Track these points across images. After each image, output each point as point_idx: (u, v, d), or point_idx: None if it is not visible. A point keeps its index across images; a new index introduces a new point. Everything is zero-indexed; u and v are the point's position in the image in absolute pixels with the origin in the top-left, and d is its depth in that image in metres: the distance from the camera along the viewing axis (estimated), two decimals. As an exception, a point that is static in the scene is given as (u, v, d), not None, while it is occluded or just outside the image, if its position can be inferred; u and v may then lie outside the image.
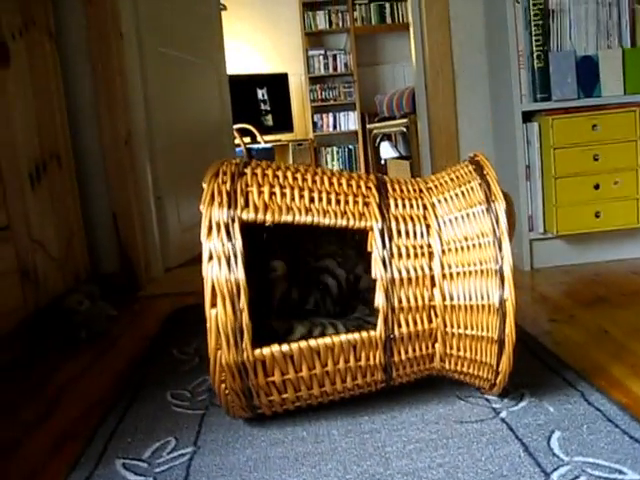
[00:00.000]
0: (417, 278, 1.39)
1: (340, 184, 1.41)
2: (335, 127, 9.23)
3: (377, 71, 9.21)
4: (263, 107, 8.70)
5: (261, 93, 8.66)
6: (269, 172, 1.42)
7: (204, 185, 1.38)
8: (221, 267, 1.30)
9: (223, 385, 1.39)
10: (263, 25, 8.91)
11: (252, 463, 1.35)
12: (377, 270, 1.37)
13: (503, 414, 1.47)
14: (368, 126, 6.58)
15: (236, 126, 5.71)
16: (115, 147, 3.13)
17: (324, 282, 1.62)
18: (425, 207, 1.46)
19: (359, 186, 1.43)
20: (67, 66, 3.02)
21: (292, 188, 1.38)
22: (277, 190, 1.37)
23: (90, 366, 2.15)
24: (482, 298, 1.39)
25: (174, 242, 3.60)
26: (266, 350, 1.35)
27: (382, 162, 5.84)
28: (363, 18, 9.00)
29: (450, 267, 1.41)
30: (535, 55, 2.72)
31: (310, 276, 1.62)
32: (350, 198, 1.40)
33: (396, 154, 5.65)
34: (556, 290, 2.52)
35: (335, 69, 9.04)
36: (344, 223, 1.36)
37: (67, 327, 2.35)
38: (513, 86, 2.78)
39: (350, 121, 9.17)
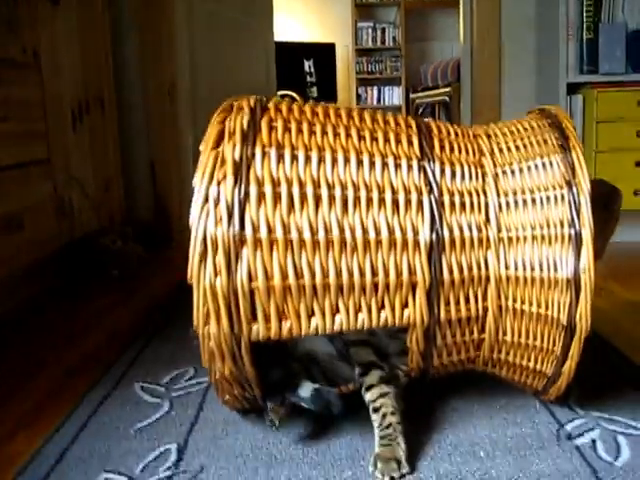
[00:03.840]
0: (464, 240, 1.15)
1: (376, 121, 1.22)
2: (379, 101, 9.16)
3: (425, 47, 9.10)
4: (309, 79, 8.66)
5: (307, 65, 8.61)
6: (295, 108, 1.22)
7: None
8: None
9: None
10: (313, -7, 8.85)
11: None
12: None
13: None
14: (411, 96, 6.52)
15: (280, 92, 5.68)
16: (158, 97, 3.16)
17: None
18: (482, 153, 1.24)
19: (398, 124, 1.24)
20: (115, 14, 3.04)
21: (320, 150, 1.15)
22: (300, 154, 1.14)
23: (118, 302, 2.19)
24: (547, 308, 1.16)
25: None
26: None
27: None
28: (414, -8, 8.89)
29: (509, 229, 1.17)
30: (585, 26, 2.67)
31: None
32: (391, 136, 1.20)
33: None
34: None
35: (383, 42, 8.94)
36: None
37: (99, 264, 2.39)
38: (560, 56, 2.73)
39: (394, 96, 9.09)
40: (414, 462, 1.11)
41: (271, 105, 1.21)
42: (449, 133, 1.26)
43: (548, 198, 1.16)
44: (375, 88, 9.11)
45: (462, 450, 1.14)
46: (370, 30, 8.93)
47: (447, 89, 4.17)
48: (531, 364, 1.23)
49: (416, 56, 8.96)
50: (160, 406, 1.35)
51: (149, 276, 2.56)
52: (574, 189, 1.14)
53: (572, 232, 1.13)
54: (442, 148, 1.21)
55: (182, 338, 1.74)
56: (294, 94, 7.77)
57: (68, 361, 1.65)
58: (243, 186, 1.07)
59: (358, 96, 9.09)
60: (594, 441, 1.17)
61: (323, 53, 8.69)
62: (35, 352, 1.72)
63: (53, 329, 1.92)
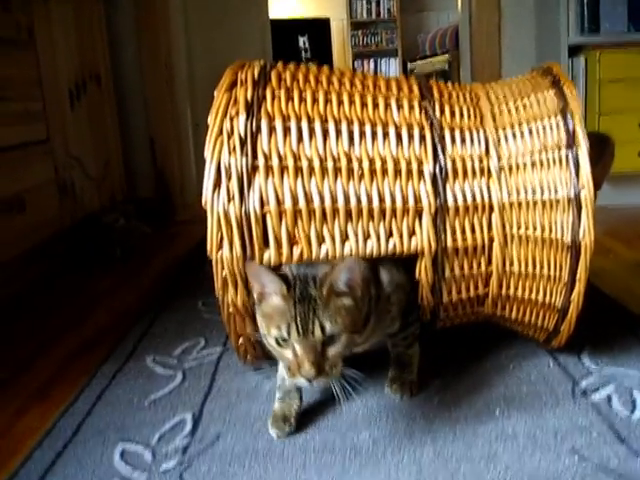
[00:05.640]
0: (466, 170, 1.18)
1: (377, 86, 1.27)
2: (376, 73, 9.09)
3: (421, 18, 8.99)
4: (305, 55, 8.59)
5: (302, 41, 8.53)
6: (299, 75, 1.25)
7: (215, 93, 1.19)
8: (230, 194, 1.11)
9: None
10: (306, -33, 8.75)
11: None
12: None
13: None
14: (409, 66, 6.47)
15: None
16: (155, 75, 3.13)
17: None
18: (478, 97, 1.30)
19: (398, 78, 1.31)
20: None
21: (327, 93, 1.21)
22: (308, 96, 1.19)
23: (123, 280, 2.19)
24: (551, 231, 1.18)
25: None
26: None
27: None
28: (408, -39, 8.78)
29: (509, 158, 1.20)
30: (585, -17, 2.63)
31: None
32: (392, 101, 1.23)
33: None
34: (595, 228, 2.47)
35: (378, 15, 8.85)
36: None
37: (102, 243, 2.38)
38: (561, 16, 2.70)
39: (391, 67, 9.01)
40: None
41: (279, 65, 1.28)
42: (446, 85, 1.33)
43: (544, 127, 1.21)
44: (372, 60, 9.03)
45: (477, 409, 1.14)
46: (364, 2, 8.85)
47: (446, 56, 4.13)
48: (540, 297, 1.23)
49: (412, 27, 8.87)
50: (173, 378, 1.35)
51: (153, 253, 2.55)
52: (568, 115, 1.19)
53: (569, 154, 1.17)
54: (441, 94, 1.28)
55: (190, 311, 1.75)
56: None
57: (78, 338, 1.65)
58: (255, 120, 1.12)
59: (354, 69, 9.02)
60: (609, 396, 1.17)
61: (318, 28, 8.61)
62: (44, 330, 1.72)
63: (61, 308, 1.91)
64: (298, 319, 0.96)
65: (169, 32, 3.17)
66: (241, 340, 1.24)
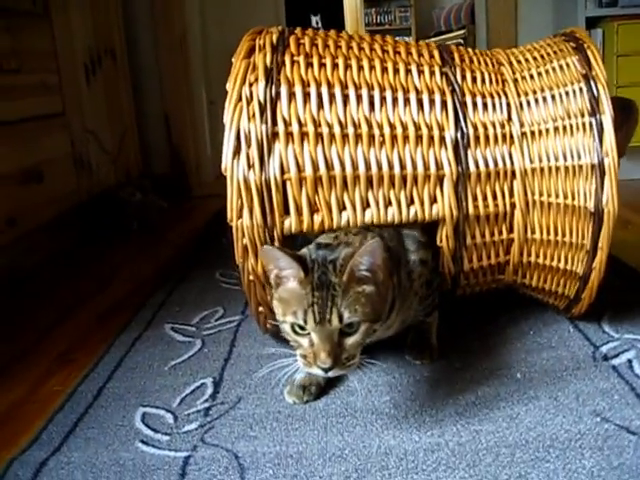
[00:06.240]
0: (488, 137, 1.18)
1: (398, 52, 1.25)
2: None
3: (434, -5, 8.92)
4: (317, 34, 8.53)
5: (315, 20, 8.47)
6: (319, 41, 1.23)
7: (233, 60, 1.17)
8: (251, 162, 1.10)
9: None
10: (319, -56, 8.67)
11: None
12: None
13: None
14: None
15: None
16: (169, 50, 3.12)
17: None
18: (500, 64, 1.28)
19: (421, 54, 1.26)
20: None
21: (346, 59, 1.19)
22: (328, 61, 1.17)
23: (141, 252, 2.19)
24: (574, 198, 1.17)
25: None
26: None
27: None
28: (422, -63, 8.68)
29: (532, 124, 1.19)
30: (603, -45, 2.59)
31: None
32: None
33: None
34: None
35: (391, -8, 8.79)
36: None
37: (119, 217, 2.39)
38: (578, -12, 2.66)
39: (405, 46, 8.95)
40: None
41: (297, 30, 1.25)
42: (467, 50, 1.31)
43: (567, 93, 1.19)
44: (385, 39, 8.95)
45: (499, 373, 1.14)
46: (378, -20, 8.76)
47: (462, 31, 4.09)
48: (561, 264, 1.22)
49: (425, 5, 8.79)
50: (192, 344, 1.36)
51: (170, 226, 2.55)
52: (591, 81, 1.17)
53: (593, 120, 1.15)
54: (462, 59, 1.26)
55: (208, 281, 1.75)
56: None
57: (97, 307, 1.66)
58: (274, 87, 1.11)
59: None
60: (630, 361, 1.16)
61: (330, 7, 8.55)
62: (64, 300, 1.73)
63: (80, 278, 1.93)
64: (315, 306, 0.93)
65: (184, 9, 3.16)
66: (261, 308, 1.24)
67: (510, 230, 1.21)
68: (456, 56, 1.26)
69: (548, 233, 1.20)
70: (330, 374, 0.94)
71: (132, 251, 2.21)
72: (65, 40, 2.33)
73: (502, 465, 0.88)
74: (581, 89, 1.17)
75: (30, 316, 1.63)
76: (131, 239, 2.36)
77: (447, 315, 1.29)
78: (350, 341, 0.94)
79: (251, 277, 1.18)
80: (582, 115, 1.16)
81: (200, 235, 2.32)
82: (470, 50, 1.32)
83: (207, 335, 1.40)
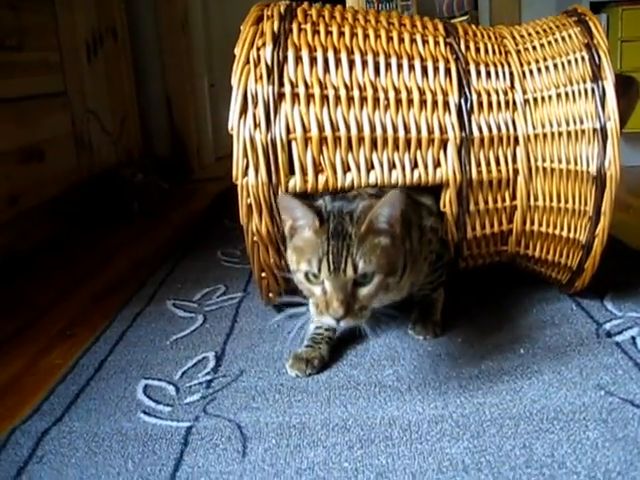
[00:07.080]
0: (491, 103, 1.18)
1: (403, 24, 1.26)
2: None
3: (437, -18, 8.88)
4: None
5: (316, 7, 8.44)
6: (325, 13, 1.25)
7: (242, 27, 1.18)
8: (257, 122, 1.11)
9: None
10: None
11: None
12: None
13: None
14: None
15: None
16: (171, 32, 3.09)
17: None
18: (503, 36, 1.29)
19: (425, 26, 1.26)
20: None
21: (353, 27, 1.20)
22: (334, 29, 1.18)
23: (142, 232, 2.18)
24: (576, 163, 1.17)
25: (226, 131, 3.57)
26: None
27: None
28: None
29: (534, 91, 1.20)
30: (608, -64, 2.56)
31: None
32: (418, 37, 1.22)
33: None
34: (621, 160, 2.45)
35: (394, -21, 8.75)
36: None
37: (120, 197, 2.37)
38: (583, -29, 2.63)
39: (407, 34, 8.93)
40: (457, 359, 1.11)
41: (305, 3, 1.27)
42: (470, 25, 1.32)
43: (569, 61, 1.20)
44: (387, 26, 8.92)
45: (502, 348, 1.14)
46: (380, -33, 8.71)
47: (464, 17, 4.06)
48: (564, 233, 1.22)
49: (428, -7, 8.74)
50: (194, 320, 1.35)
51: (171, 207, 2.54)
52: (593, 49, 1.18)
53: (594, 86, 1.16)
54: (465, 32, 1.27)
55: (209, 260, 1.74)
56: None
57: (97, 285, 1.66)
58: (281, 50, 1.12)
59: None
60: (634, 338, 1.15)
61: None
62: (65, 277, 1.73)
63: (81, 257, 1.92)
64: (330, 255, 0.93)
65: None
66: (264, 274, 1.23)
67: (513, 197, 1.21)
68: (460, 30, 1.27)
69: (551, 200, 1.20)
70: (342, 324, 0.93)
71: (134, 231, 2.20)
72: (67, 18, 2.31)
73: (506, 436, 0.88)
74: (583, 57, 1.18)
75: (30, 293, 1.63)
76: (133, 219, 2.34)
77: (450, 292, 1.29)
78: (364, 292, 0.94)
79: (255, 238, 1.17)
80: (584, 81, 1.17)
81: (202, 216, 2.31)
82: (473, 26, 1.32)
83: (209, 311, 1.40)
